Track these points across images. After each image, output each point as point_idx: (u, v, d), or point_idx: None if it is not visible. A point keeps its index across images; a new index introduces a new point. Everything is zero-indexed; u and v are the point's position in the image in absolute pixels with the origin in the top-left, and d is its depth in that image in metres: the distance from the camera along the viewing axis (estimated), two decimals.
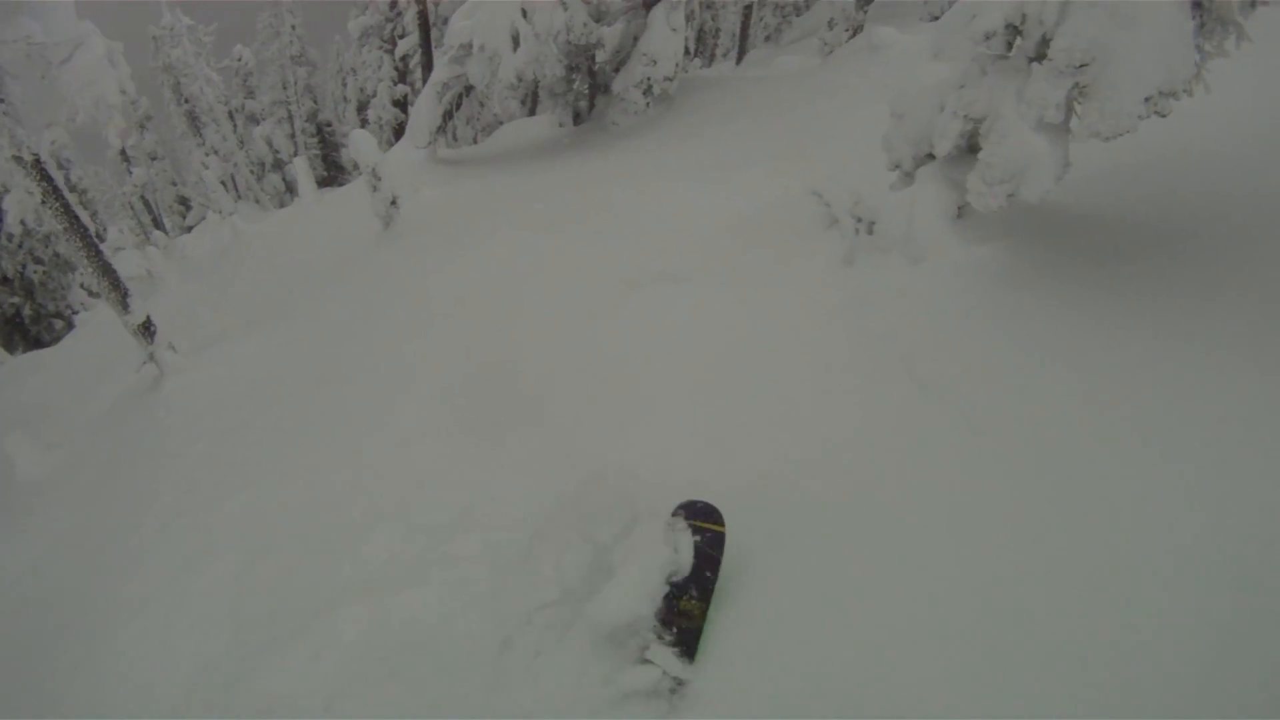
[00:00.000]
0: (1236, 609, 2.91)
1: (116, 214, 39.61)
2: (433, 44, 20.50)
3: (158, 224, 38.20)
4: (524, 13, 12.41)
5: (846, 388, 4.87)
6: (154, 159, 36.92)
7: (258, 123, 36.99)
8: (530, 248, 8.33)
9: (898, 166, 5.83)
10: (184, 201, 38.96)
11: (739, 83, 13.96)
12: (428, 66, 20.34)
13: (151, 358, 8.70)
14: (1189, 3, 3.90)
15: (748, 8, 21.19)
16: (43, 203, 7.65)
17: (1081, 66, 4.09)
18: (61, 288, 19.04)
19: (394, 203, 10.60)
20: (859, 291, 5.69)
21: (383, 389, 6.52)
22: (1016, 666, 3.01)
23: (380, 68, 30.80)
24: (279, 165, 35.91)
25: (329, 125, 38.55)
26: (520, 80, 13.03)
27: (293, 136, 37.21)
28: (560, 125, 15.50)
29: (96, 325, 14.75)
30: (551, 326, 6.57)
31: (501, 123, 20.69)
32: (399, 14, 29.00)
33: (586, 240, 8.10)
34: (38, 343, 18.08)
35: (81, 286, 20.09)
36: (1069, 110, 4.42)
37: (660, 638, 3.59)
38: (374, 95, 31.64)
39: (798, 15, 26.14)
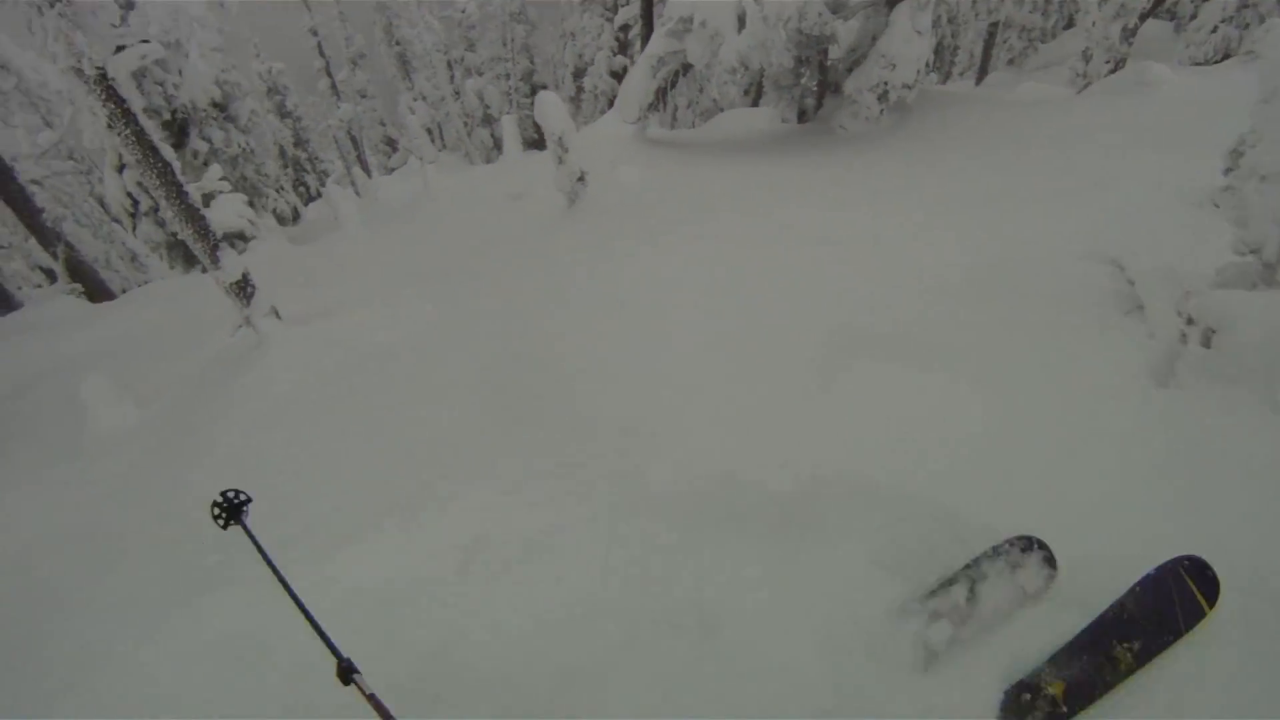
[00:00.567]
0: None
1: (325, 147, 40.66)
2: (654, 15, 19.40)
3: (362, 161, 38.88)
4: None
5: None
6: (364, 96, 37.52)
7: (477, 75, 37.02)
8: (718, 262, 7.07)
9: (1254, 252, 4.10)
10: (390, 142, 39.55)
11: (983, 104, 12.06)
12: (647, 38, 19.21)
13: (248, 321, 7.77)
14: None
15: (993, 25, 19.27)
16: (108, 127, 6.54)
17: None
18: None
19: (581, 179, 9.44)
20: (1184, 438, 3.79)
21: (503, 411, 5.45)
22: None
23: (600, 35, 29.87)
24: (489, 120, 35.70)
25: (544, 87, 38.12)
26: (744, 66, 11.67)
27: (507, 95, 36.98)
28: (783, 121, 14.04)
29: (260, 254, 14.38)
30: (727, 394, 5.04)
31: (721, 109, 19.46)
32: None
33: (785, 268, 6.68)
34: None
35: (269, 211, 20.19)
36: None
37: None
38: (591, 63, 30.81)
39: (1044, 41, 24.00)
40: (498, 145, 34.73)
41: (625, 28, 27.75)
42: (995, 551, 3.32)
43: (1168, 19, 21.89)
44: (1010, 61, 24.44)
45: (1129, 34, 13.27)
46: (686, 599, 3.51)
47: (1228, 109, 6.31)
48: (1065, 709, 2.86)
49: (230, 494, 3.56)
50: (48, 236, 14.91)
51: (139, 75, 15.67)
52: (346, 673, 2.41)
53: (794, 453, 4.27)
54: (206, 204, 14.74)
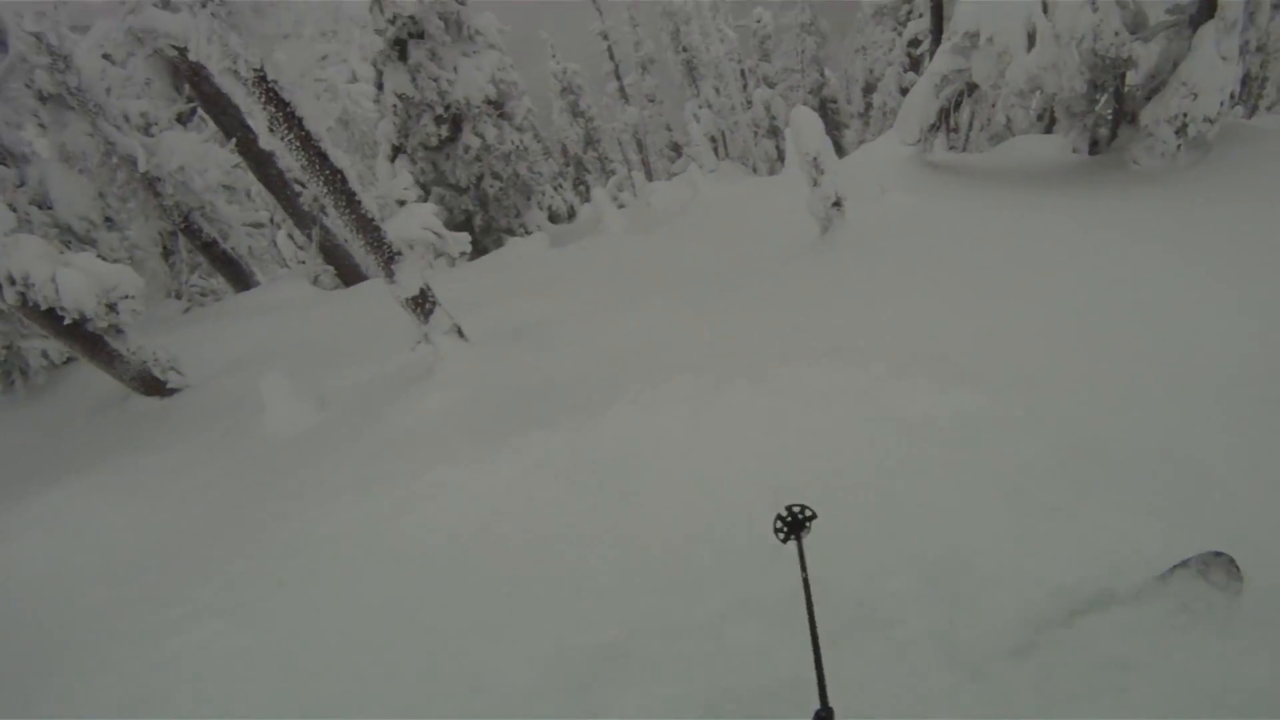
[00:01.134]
0: None
1: (614, 148, 42.27)
2: (943, 29, 18.80)
3: (646, 165, 40.06)
4: (1044, 6, 10.39)
5: None
6: (651, 100, 38.56)
7: (771, 86, 37.28)
8: (976, 326, 6.32)
9: None
10: (675, 148, 40.43)
11: None
12: (934, 54, 18.71)
13: (427, 338, 7.75)
14: None
15: None
16: (270, 130, 6.46)
17: None
18: (516, 207, 19.89)
19: (838, 204, 9.01)
20: None
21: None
22: None
23: (890, 50, 29.31)
24: (775, 132, 35.82)
25: (834, 102, 37.75)
26: (1033, 88, 11.12)
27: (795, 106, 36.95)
28: (1074, 151, 13.16)
29: (525, 248, 15.16)
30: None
31: (1013, 133, 18.62)
32: None
33: (1069, 375, 5.41)
34: (483, 252, 19.11)
35: (542, 209, 21.14)
36: None
37: None
38: (880, 79, 30.30)
39: None
40: (781, 156, 34.84)
41: (915, 42, 27.06)
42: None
43: None
44: None
45: None
46: None
47: None
48: None
49: (796, 509, 3.41)
50: (304, 219, 16.15)
51: (413, 69, 16.93)
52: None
53: None
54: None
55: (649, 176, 38.57)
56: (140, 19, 11.46)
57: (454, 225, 19.37)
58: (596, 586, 4.33)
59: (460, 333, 7.99)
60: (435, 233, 8.10)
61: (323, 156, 6.74)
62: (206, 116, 15.22)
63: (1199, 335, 5.63)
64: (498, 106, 18.89)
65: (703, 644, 3.79)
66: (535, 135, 25.53)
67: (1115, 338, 5.78)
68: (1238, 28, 9.78)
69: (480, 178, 18.99)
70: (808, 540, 3.29)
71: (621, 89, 39.43)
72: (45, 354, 11.74)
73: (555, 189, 23.20)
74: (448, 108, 17.81)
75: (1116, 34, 10.01)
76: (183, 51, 12.31)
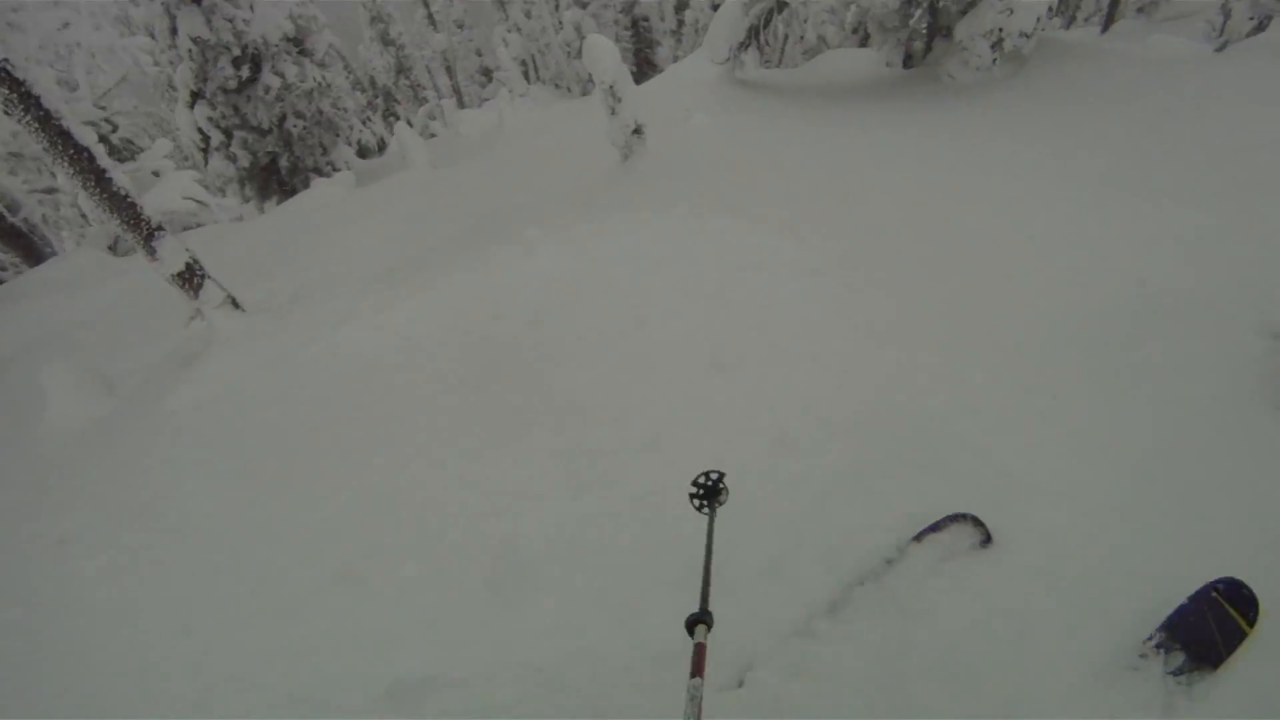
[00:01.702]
0: None
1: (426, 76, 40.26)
2: None
3: (457, 92, 38.28)
4: None
5: None
6: (460, 27, 36.80)
7: (583, 7, 35.80)
8: (784, 269, 5.87)
9: None
10: (486, 73, 38.71)
11: (1111, 58, 10.18)
12: None
13: (199, 314, 6.89)
14: None
15: None
16: (5, 113, 5.67)
17: None
18: (322, 145, 18.47)
19: (638, 131, 8.24)
20: None
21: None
22: None
23: None
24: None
25: (646, 20, 36.62)
26: (847, 3, 10.48)
27: (606, 28, 35.71)
28: (888, 65, 12.68)
29: (328, 191, 13.65)
30: None
31: (828, 46, 18.15)
32: None
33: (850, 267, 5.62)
34: (292, 193, 17.74)
35: (350, 144, 19.72)
36: None
37: None
38: None
39: None
40: (592, 79, 33.66)
41: None
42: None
43: None
44: (1140, 10, 22.25)
45: None
46: None
47: None
48: None
49: (714, 475, 3.24)
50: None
51: (208, 11, 15.25)
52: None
53: None
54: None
55: (460, 103, 36.83)
56: None
57: (258, 168, 18.18)
58: None
59: (235, 303, 7.13)
60: (198, 201, 6.89)
61: (65, 135, 5.87)
62: None
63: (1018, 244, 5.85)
64: (298, 43, 17.60)
65: None
66: (345, 68, 23.71)
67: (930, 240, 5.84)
68: None
69: (283, 118, 17.71)
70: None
71: (430, 15, 37.46)
72: None
73: (364, 123, 21.75)
74: (245, 48, 16.36)
75: None
76: None
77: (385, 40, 37.73)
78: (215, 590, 4.10)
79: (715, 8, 27.70)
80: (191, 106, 17.17)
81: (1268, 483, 3.47)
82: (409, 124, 30.89)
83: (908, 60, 12.45)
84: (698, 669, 2.02)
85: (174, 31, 16.34)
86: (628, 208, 6.98)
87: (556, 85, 34.09)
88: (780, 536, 3.68)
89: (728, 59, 12.45)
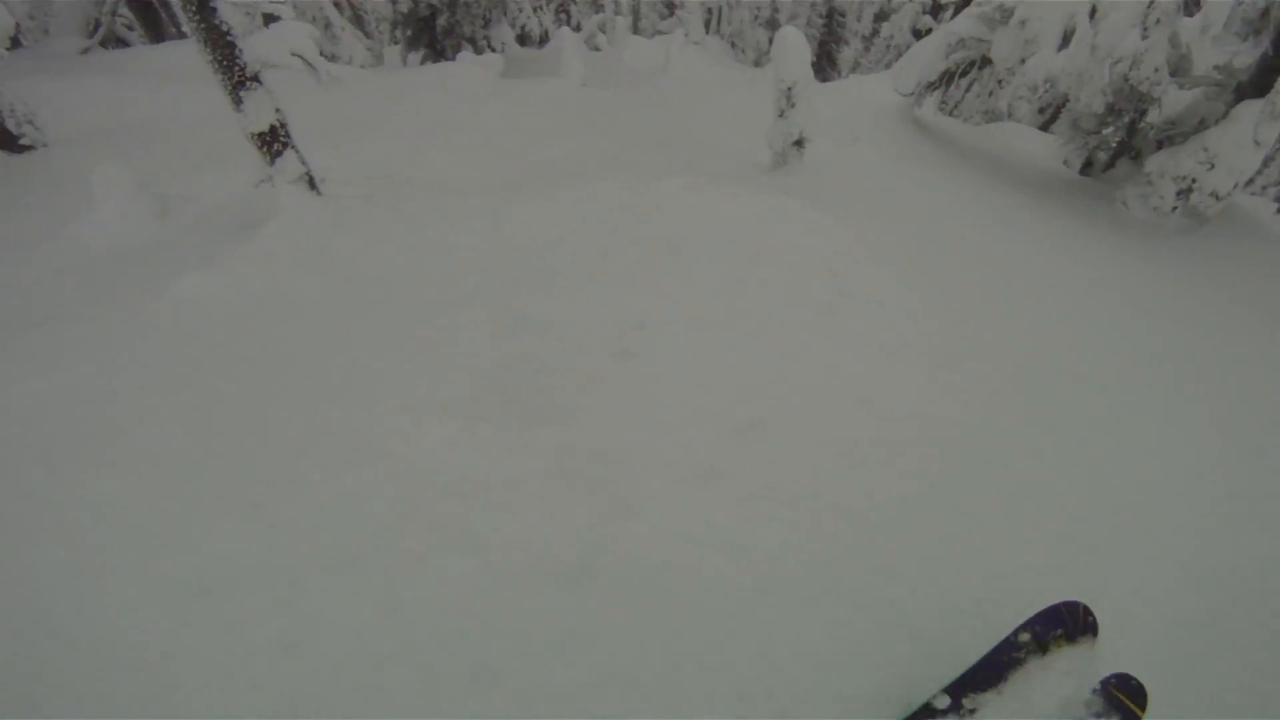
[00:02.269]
0: None
1: None
2: None
3: (636, 12, 37.62)
4: (1092, 11, 9.19)
5: None
6: None
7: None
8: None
9: None
10: (670, 5, 37.95)
11: None
12: (961, 9, 17.28)
13: (271, 180, 6.27)
14: None
15: None
16: None
17: None
18: (484, 18, 18.11)
19: (799, 143, 7.80)
20: None
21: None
22: None
23: None
24: (773, 25, 33.54)
25: (842, 15, 35.62)
26: (1048, 87, 9.98)
27: (801, 3, 34.79)
28: (1065, 163, 12.15)
29: (470, 72, 13.33)
30: None
31: (1010, 116, 17.54)
32: None
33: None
34: (440, 55, 17.50)
35: (514, 27, 19.47)
36: None
37: None
38: (897, 10, 28.47)
39: None
40: (769, 53, 32.87)
41: None
42: None
43: None
44: None
45: None
46: None
47: None
48: None
49: None
50: None
51: None
52: None
53: None
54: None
55: (635, 27, 36.24)
56: None
57: (416, 17, 17.68)
58: None
59: (313, 183, 6.48)
60: (305, 60, 6.42)
61: None
62: None
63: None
64: None
65: None
66: None
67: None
68: None
69: None
70: None
71: None
72: None
73: (535, 10, 21.40)
74: None
75: (1156, 70, 8.86)
76: None
77: None
78: None
79: (915, 33, 26.89)
80: None
81: None
82: (577, 28, 30.54)
83: (1086, 166, 11.91)
84: None
85: None
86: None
87: (733, 44, 33.41)
88: None
89: (912, 94, 12.03)
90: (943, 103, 13.75)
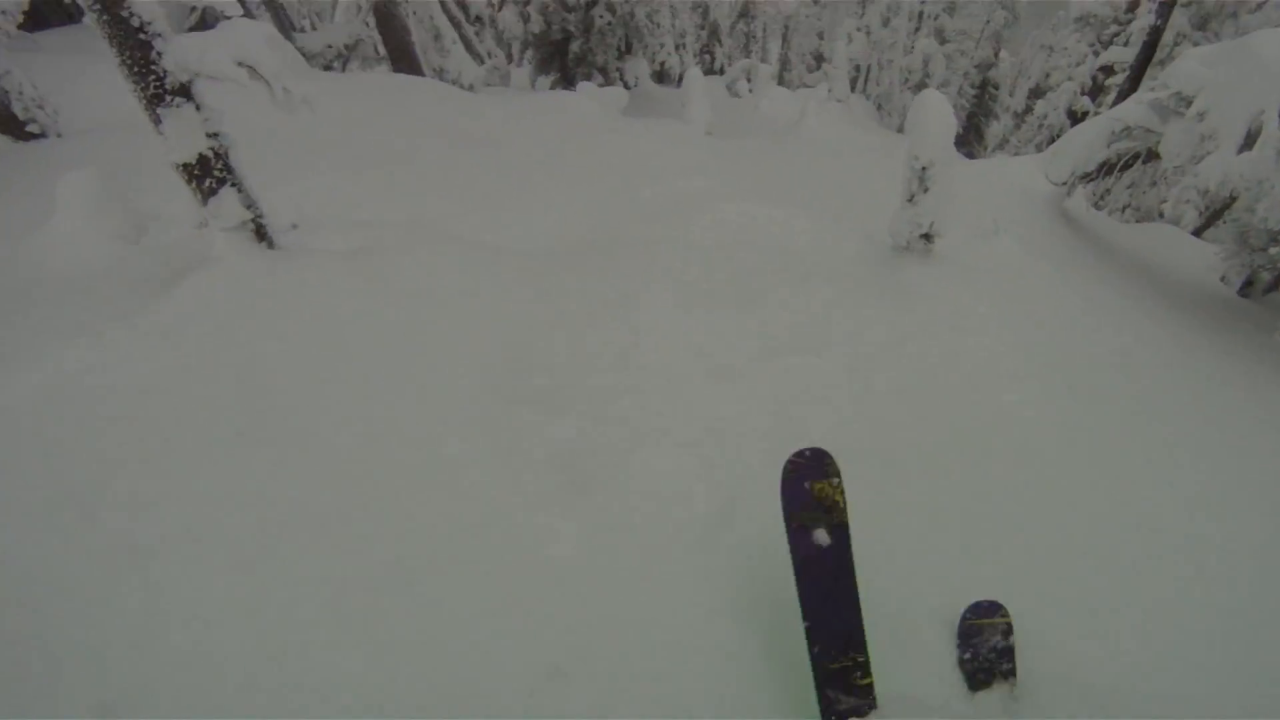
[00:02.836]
0: None
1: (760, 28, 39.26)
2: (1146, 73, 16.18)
3: (783, 63, 37.03)
4: None
5: None
6: (816, 1, 35.52)
7: (942, 42, 33.92)
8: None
9: None
10: (818, 59, 37.42)
11: None
12: (1127, 95, 16.03)
13: (205, 224, 5.09)
14: None
15: None
16: None
17: None
18: (619, 49, 17.67)
19: (927, 236, 6.64)
20: None
21: None
22: None
23: (1078, 65, 25.83)
24: (923, 88, 32.53)
25: (995, 88, 34.31)
26: (1224, 192, 8.85)
27: (955, 73, 33.66)
28: (1221, 278, 10.87)
29: (585, 106, 12.71)
30: None
31: (1161, 216, 16.29)
32: (1131, 18, 23.68)
33: None
34: (570, 83, 17.12)
35: (653, 62, 18.99)
36: None
37: None
38: (1054, 89, 27.15)
39: None
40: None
41: (1108, 69, 23.79)
42: None
43: None
44: None
45: None
46: None
47: None
48: None
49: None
50: None
51: None
52: None
53: None
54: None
55: (780, 77, 35.61)
56: None
57: (548, 40, 17.36)
58: None
59: (262, 232, 5.14)
60: (253, 71, 4.93)
61: None
62: None
63: None
64: None
65: None
66: None
67: None
68: None
69: (593, 2, 16.72)
70: None
71: None
72: None
73: (677, 48, 21.00)
74: None
75: None
76: None
77: None
78: None
79: (1071, 115, 25.48)
80: None
81: None
82: (720, 71, 30.02)
83: (1246, 285, 10.64)
84: None
85: None
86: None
87: (879, 106, 32.53)
88: None
89: (1065, 183, 10.99)
90: (1093, 195, 12.66)
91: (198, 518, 3.35)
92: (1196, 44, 19.24)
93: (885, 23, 32.57)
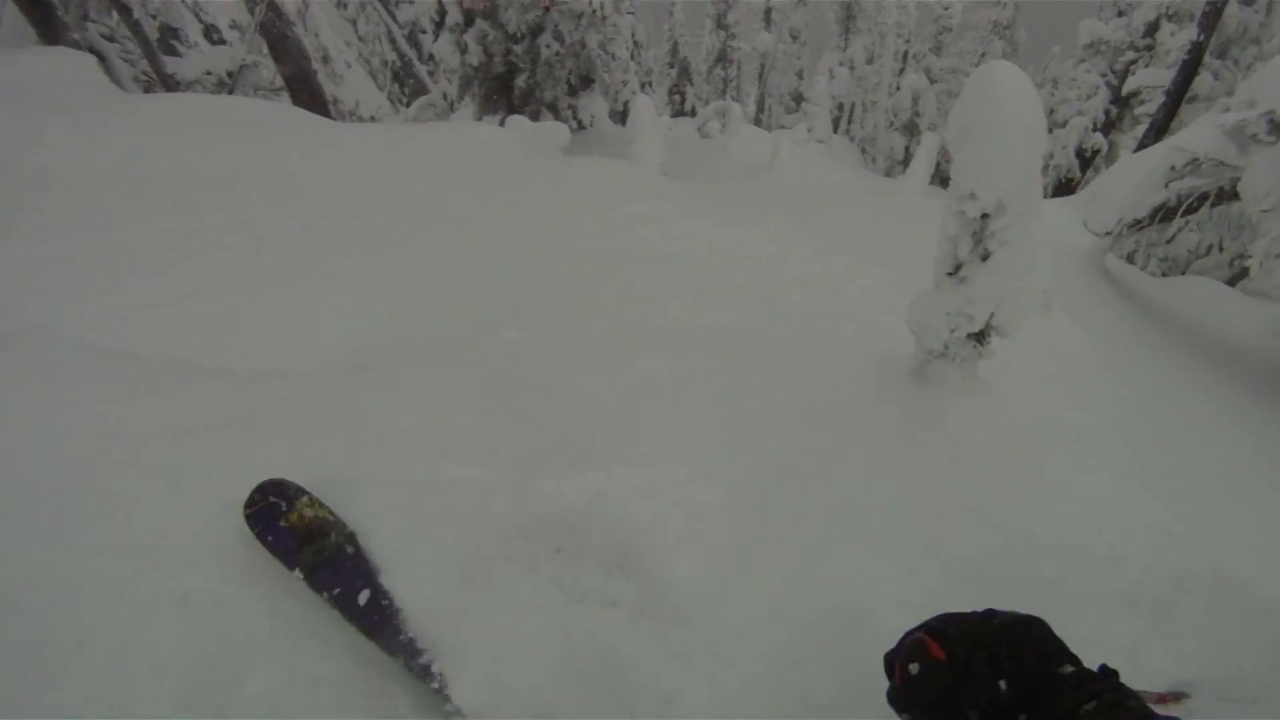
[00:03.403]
0: None
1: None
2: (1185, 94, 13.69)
3: (760, 103, 35.05)
4: None
5: None
6: (794, 38, 33.46)
7: (931, 81, 31.78)
8: None
9: None
10: (797, 99, 35.14)
11: None
12: (1163, 125, 13.53)
13: None
14: None
15: None
16: None
17: None
18: (569, 84, 15.25)
19: (981, 337, 3.89)
20: None
21: None
22: None
23: (1088, 98, 23.04)
24: (911, 131, 30.40)
25: None
26: None
27: (945, 112, 31.55)
28: (1276, 335, 8.35)
29: (495, 139, 9.93)
30: None
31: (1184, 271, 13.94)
32: (1149, 43, 20.62)
33: None
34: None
35: (615, 101, 16.76)
36: None
37: None
38: (1061, 126, 24.48)
39: None
40: (907, 160, 29.40)
41: (1127, 99, 20.76)
42: None
43: None
44: None
45: None
46: None
47: None
48: None
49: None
50: None
51: None
52: None
53: None
54: None
55: (757, 119, 33.43)
56: None
57: (491, 74, 15.04)
58: None
59: None
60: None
61: None
62: None
63: None
64: None
65: None
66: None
67: None
68: None
69: (538, 30, 14.30)
70: None
71: (768, 12, 34.08)
72: None
73: (642, 85, 18.75)
74: None
75: None
76: None
77: (720, 23, 35.02)
78: None
79: (1081, 154, 22.50)
80: None
81: None
82: (692, 113, 27.87)
83: None
84: None
85: None
86: None
87: (864, 150, 30.24)
88: None
89: (1111, 233, 8.41)
90: (1130, 246, 10.19)
91: None
92: (1215, 74, 16.75)
93: (870, 59, 30.37)
